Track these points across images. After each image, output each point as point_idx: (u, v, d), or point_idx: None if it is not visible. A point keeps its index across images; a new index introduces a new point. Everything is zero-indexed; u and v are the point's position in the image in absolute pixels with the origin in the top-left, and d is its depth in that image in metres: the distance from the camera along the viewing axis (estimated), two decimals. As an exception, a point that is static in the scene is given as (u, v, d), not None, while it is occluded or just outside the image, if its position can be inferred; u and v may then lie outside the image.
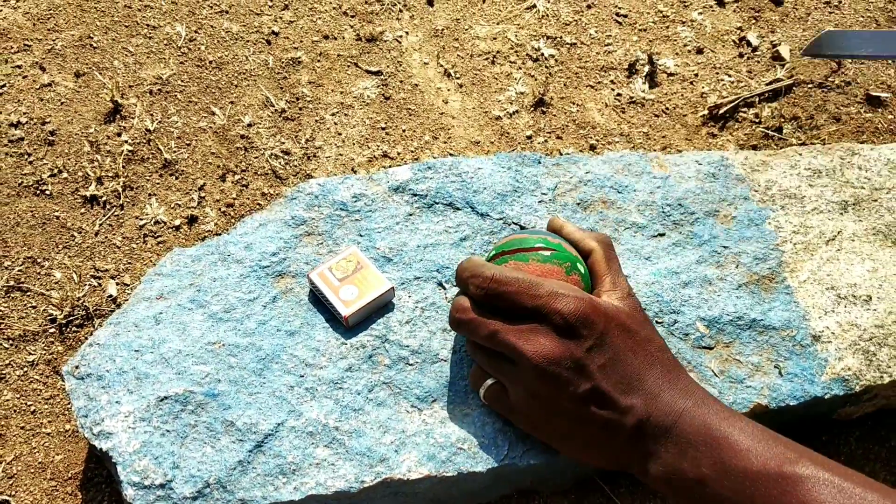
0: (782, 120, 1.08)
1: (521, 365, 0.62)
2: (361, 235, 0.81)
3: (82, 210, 0.94)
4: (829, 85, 1.13)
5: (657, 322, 0.77)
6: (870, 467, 0.82)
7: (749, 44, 1.17)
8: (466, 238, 0.81)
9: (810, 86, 1.13)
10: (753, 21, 1.19)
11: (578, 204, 0.84)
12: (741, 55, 1.15)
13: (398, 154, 1.01)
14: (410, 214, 0.82)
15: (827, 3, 1.22)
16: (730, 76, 1.13)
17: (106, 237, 0.93)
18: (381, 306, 0.76)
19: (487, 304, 0.65)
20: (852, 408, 0.79)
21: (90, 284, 0.89)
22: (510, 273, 0.65)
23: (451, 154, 1.02)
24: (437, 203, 0.83)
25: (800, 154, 0.92)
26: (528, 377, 0.62)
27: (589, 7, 1.19)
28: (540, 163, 0.87)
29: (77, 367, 0.72)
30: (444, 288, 0.78)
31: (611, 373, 0.62)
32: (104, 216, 0.94)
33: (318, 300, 0.76)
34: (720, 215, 0.85)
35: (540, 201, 0.84)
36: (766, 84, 1.12)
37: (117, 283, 0.90)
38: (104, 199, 0.95)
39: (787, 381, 0.75)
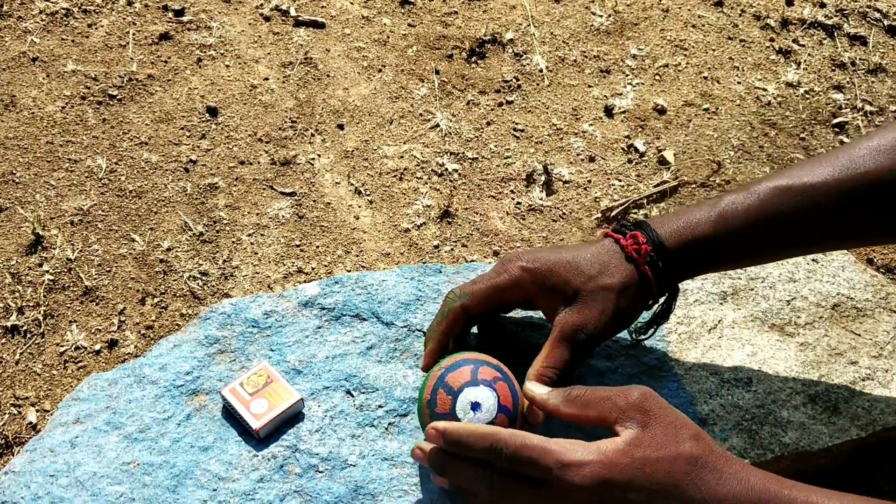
0: (670, 219, 1.17)
1: None
2: (272, 350, 0.85)
3: (3, 340, 0.97)
4: (711, 184, 1.23)
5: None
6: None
7: (637, 150, 1.27)
8: (373, 347, 0.86)
9: (694, 185, 1.23)
10: (640, 129, 1.30)
11: (478, 308, 0.90)
12: (630, 161, 1.25)
13: (312, 269, 1.07)
14: (319, 327, 0.87)
15: (706, 111, 1.34)
16: (620, 181, 1.22)
17: (27, 365, 0.95)
18: (291, 417, 0.79)
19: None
20: (742, 485, 0.84)
21: (10, 413, 0.91)
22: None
23: (363, 266, 1.08)
24: (345, 315, 0.88)
25: (681, 250, 1.00)
26: None
27: (488, 124, 1.28)
28: (441, 272, 0.93)
29: (-8, 497, 0.74)
30: (353, 395, 0.82)
31: None
32: (25, 345, 0.97)
33: (231, 415, 0.79)
34: (610, 311, 0.92)
35: (442, 308, 0.90)
36: (654, 186, 1.21)
37: (37, 411, 0.92)
38: (25, 328, 0.98)
39: (678, 463, 0.80)
